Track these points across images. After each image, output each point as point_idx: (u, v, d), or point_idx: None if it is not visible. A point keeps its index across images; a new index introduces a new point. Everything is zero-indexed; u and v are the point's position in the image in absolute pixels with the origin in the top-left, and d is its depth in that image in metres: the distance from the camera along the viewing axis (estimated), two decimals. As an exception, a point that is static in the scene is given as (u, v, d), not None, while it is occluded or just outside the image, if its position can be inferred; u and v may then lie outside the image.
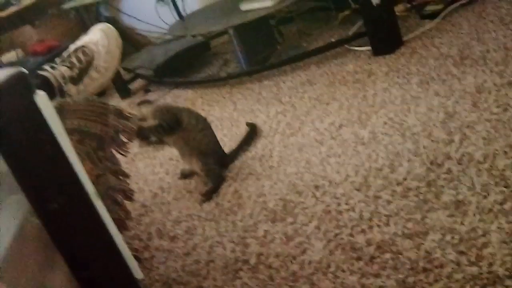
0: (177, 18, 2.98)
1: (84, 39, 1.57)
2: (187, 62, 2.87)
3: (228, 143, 1.91)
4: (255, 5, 2.36)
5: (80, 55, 1.52)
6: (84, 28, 2.98)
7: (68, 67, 1.49)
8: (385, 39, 2.09)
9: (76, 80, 1.49)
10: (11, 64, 3.30)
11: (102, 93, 2.09)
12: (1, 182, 0.68)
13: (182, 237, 1.51)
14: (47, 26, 3.45)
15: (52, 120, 0.63)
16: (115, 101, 2.88)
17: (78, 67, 1.50)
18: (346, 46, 2.27)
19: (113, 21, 3.42)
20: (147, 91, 2.85)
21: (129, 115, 1.44)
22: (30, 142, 0.62)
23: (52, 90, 1.44)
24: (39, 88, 0.66)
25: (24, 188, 0.63)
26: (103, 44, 1.55)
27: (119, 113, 1.40)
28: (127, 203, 1.25)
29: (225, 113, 2.17)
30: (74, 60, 1.52)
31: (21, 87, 0.61)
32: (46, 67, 1.49)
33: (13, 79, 0.59)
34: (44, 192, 0.63)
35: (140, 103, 2.66)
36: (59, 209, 0.63)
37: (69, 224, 0.66)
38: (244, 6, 2.39)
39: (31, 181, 0.62)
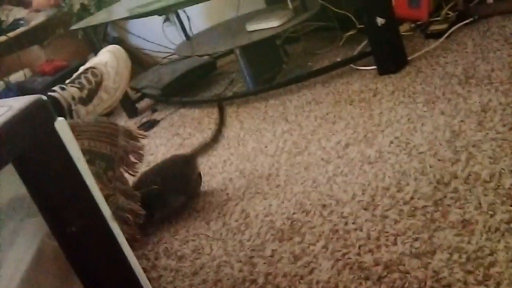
0: (184, 38, 3.01)
1: (94, 61, 1.60)
2: (193, 82, 2.90)
3: (235, 162, 1.92)
4: (261, 26, 2.39)
5: (90, 76, 1.55)
6: (91, 48, 3.03)
7: (77, 88, 1.52)
8: (390, 58, 2.11)
9: (85, 101, 1.51)
10: (19, 83, 3.34)
11: (109, 112, 2.11)
12: (21, 206, 0.70)
13: (190, 257, 1.51)
14: (55, 46, 3.50)
15: (71, 145, 0.65)
16: (123, 120, 2.91)
17: (88, 88, 1.53)
18: (351, 65, 2.29)
19: (121, 42, 3.46)
20: (154, 110, 2.87)
21: (138, 135, 1.46)
22: (50, 168, 0.63)
23: (62, 111, 1.46)
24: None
25: (43, 212, 0.64)
26: (112, 65, 1.58)
27: (129, 134, 1.42)
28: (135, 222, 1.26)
29: (232, 132, 2.19)
30: (83, 81, 1.54)
31: (42, 113, 0.62)
32: (56, 88, 1.51)
33: (34, 106, 0.61)
34: (62, 215, 0.64)
35: (145, 123, 2.70)
36: (77, 232, 0.64)
37: (86, 246, 0.67)
38: (250, 27, 2.42)
39: (50, 205, 0.64)
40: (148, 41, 3.53)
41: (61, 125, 0.64)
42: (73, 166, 0.65)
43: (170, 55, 3.37)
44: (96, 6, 3.39)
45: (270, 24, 2.34)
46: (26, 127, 0.60)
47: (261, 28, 2.38)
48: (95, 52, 2.81)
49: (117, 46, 1.62)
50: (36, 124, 0.61)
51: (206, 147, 1.86)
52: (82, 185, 0.66)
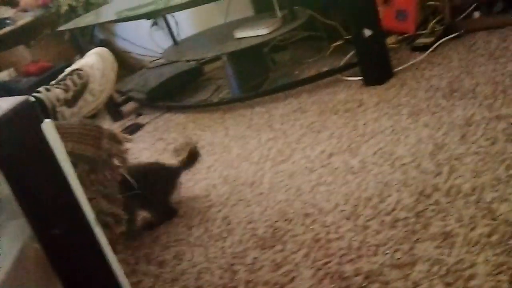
0: (172, 42, 3.00)
1: (80, 62, 1.59)
2: (180, 87, 2.89)
3: (219, 169, 1.92)
4: (249, 33, 2.39)
5: (75, 78, 1.54)
6: (78, 50, 3.01)
7: (63, 89, 1.50)
8: (376, 70, 2.13)
9: (70, 102, 1.50)
10: (3, 83, 3.30)
11: (94, 115, 2.10)
12: (3, 207, 0.69)
13: (170, 263, 1.51)
14: (41, 47, 3.47)
15: (57, 147, 0.64)
16: (107, 123, 2.89)
17: (73, 90, 1.51)
18: (338, 75, 2.31)
19: (108, 44, 3.45)
20: (139, 114, 2.86)
21: (122, 139, 1.45)
22: (35, 169, 0.63)
23: (46, 112, 1.45)
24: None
25: (27, 214, 0.64)
26: (98, 68, 1.57)
27: (113, 137, 1.41)
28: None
29: (217, 139, 2.18)
30: (69, 82, 1.53)
31: (29, 115, 0.62)
32: (41, 89, 1.49)
33: (21, 107, 0.60)
34: (47, 218, 0.64)
35: (129, 127, 2.69)
36: (60, 234, 0.64)
37: (69, 249, 0.66)
38: (238, 34, 2.43)
39: (34, 207, 0.63)
40: (135, 45, 3.52)
41: (47, 126, 0.64)
42: (58, 168, 0.65)
43: (157, 59, 3.36)
44: (84, 7, 3.38)
45: (258, 32, 2.35)
46: (13, 127, 0.59)
47: (249, 35, 2.39)
48: (81, 53, 2.79)
49: (104, 48, 1.61)
50: (23, 125, 0.60)
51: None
52: (66, 187, 0.66)
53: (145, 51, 3.46)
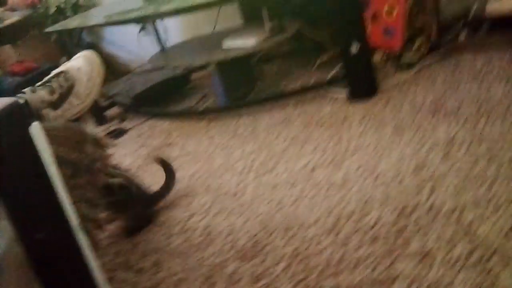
0: (159, 49, 3.00)
1: (67, 65, 1.58)
2: (166, 93, 2.88)
3: (201, 177, 1.91)
4: (237, 43, 2.39)
5: (62, 81, 1.52)
6: (64, 52, 2.99)
7: (48, 91, 1.49)
8: (361, 85, 2.14)
9: (55, 105, 1.49)
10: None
11: (77, 118, 2.08)
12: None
13: (149, 271, 1.49)
14: (27, 47, 3.45)
15: (44, 150, 0.64)
16: (90, 127, 2.87)
17: (59, 92, 1.50)
18: (323, 89, 2.32)
19: (95, 47, 3.43)
20: (123, 119, 2.84)
21: (106, 144, 1.44)
22: (22, 172, 0.62)
23: (31, 114, 1.44)
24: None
25: (12, 217, 0.63)
26: (85, 71, 1.56)
27: (97, 142, 1.40)
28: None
29: (201, 147, 2.18)
30: (55, 85, 1.52)
31: (18, 116, 0.61)
32: (26, 90, 1.48)
33: (10, 108, 0.60)
34: (31, 221, 0.63)
35: (113, 132, 2.67)
36: (44, 239, 0.63)
37: (51, 253, 0.66)
38: (226, 43, 2.43)
39: (20, 210, 0.62)
40: (123, 49, 3.51)
41: (36, 129, 0.63)
42: (44, 172, 0.64)
43: (144, 65, 3.35)
44: (73, 10, 3.36)
45: (247, 42, 2.35)
46: (1, 129, 0.58)
47: (237, 45, 2.39)
48: (68, 55, 2.78)
49: (91, 52, 1.60)
50: (11, 127, 0.60)
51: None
52: (52, 192, 0.65)
53: (132, 56, 3.45)
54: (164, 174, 1.81)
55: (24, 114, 0.63)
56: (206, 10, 2.73)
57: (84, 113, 1.76)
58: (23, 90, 1.49)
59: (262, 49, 2.46)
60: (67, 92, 1.54)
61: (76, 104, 1.57)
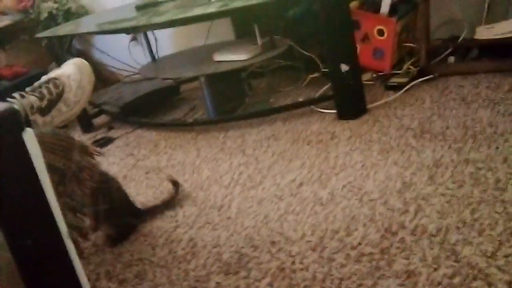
0: (150, 59, 3.00)
1: (57, 72, 1.58)
2: (154, 104, 2.88)
3: (188, 189, 1.91)
4: (228, 57, 2.41)
5: (51, 87, 1.52)
6: (54, 58, 2.98)
7: (37, 97, 1.49)
8: (350, 104, 2.16)
9: (44, 111, 1.49)
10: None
11: (65, 125, 2.08)
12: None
13: (131, 282, 1.48)
14: (17, 51, 3.43)
15: (36, 157, 0.64)
16: (77, 134, 2.85)
17: (48, 98, 1.50)
18: (312, 106, 2.33)
19: (85, 55, 3.43)
20: (110, 128, 2.83)
21: (93, 152, 1.44)
22: (13, 178, 0.62)
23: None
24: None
25: (1, 222, 0.62)
26: (75, 79, 1.56)
27: (84, 150, 1.40)
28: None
29: (188, 159, 2.18)
30: (44, 91, 1.51)
31: (11, 122, 0.61)
32: (16, 95, 1.48)
33: (4, 115, 0.59)
34: (20, 227, 0.63)
35: (100, 140, 2.66)
36: (32, 245, 0.63)
37: (40, 260, 0.65)
38: (217, 57, 2.44)
39: (8, 215, 0.62)
40: (113, 58, 3.51)
41: (29, 136, 0.63)
42: (36, 179, 0.64)
43: (134, 75, 3.35)
44: (64, 16, 3.36)
45: (238, 56, 2.37)
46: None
47: (228, 59, 2.41)
48: (58, 62, 2.77)
49: (82, 59, 1.61)
50: (4, 132, 0.59)
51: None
52: (42, 198, 0.65)
53: (122, 65, 3.45)
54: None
55: (17, 120, 0.62)
56: (198, 23, 2.74)
57: (72, 120, 1.75)
58: (12, 95, 1.49)
59: (253, 64, 2.47)
60: (57, 98, 1.53)
61: (64, 111, 1.57)
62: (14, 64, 3.34)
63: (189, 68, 2.54)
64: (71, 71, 1.57)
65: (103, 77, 3.43)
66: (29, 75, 3.08)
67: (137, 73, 3.12)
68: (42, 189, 0.65)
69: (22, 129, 0.63)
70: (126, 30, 2.52)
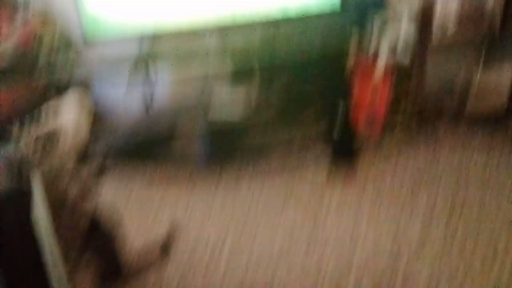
0: (147, 103, 3.02)
1: (56, 108, 1.60)
2: (149, 146, 2.88)
3: (178, 235, 1.90)
4: (223, 117, 2.46)
5: (50, 123, 1.55)
6: (53, 92, 2.97)
7: (35, 135, 1.51)
8: (343, 163, 2.21)
9: (42, 148, 1.50)
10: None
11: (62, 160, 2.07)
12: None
13: None
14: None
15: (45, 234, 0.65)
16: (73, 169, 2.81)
17: (46, 136, 1.52)
18: (306, 164, 2.37)
19: (84, 92, 3.43)
20: (104, 166, 2.81)
21: (89, 187, 1.44)
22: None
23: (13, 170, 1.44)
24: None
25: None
26: (74, 118, 1.59)
27: (80, 184, 1.40)
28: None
29: (179, 206, 2.16)
30: (43, 127, 1.54)
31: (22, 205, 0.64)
32: (10, 145, 1.48)
33: (15, 196, 0.63)
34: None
35: (94, 175, 2.62)
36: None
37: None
38: (213, 116, 2.49)
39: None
40: (111, 99, 3.51)
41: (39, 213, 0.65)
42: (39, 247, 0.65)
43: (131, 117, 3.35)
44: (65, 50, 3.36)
45: (233, 115, 2.43)
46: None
47: (223, 117, 2.46)
48: (57, 96, 2.78)
49: (82, 96, 1.64)
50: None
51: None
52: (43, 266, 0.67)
53: (120, 106, 3.45)
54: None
55: (27, 202, 0.64)
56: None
57: (69, 157, 1.76)
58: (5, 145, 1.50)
59: (247, 126, 2.52)
60: (54, 136, 1.55)
61: (62, 149, 1.58)
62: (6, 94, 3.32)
63: (185, 122, 2.58)
64: (70, 108, 1.60)
65: (100, 116, 3.44)
66: (26, 109, 3.05)
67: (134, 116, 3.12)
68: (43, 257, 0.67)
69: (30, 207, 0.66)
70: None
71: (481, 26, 2.36)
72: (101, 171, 2.58)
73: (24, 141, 1.53)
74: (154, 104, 2.97)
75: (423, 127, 2.46)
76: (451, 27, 2.34)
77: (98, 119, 3.02)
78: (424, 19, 2.33)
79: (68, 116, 1.63)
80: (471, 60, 2.41)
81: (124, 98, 3.16)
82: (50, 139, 1.56)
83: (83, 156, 2.82)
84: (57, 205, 1.34)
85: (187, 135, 2.91)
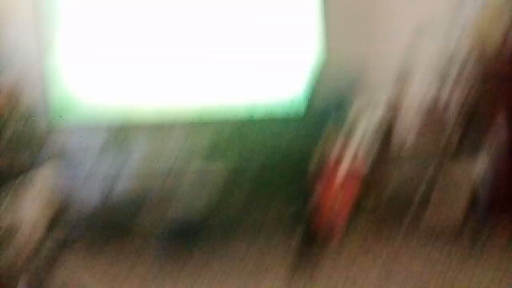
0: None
1: (15, 215, 1.60)
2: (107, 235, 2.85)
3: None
4: (185, 212, 2.47)
5: (4, 234, 1.55)
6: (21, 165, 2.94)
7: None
8: (305, 264, 2.24)
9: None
10: None
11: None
12: None
13: None
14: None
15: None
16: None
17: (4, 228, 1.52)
18: (267, 264, 2.37)
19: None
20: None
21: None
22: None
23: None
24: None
25: None
26: (31, 220, 1.59)
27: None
28: None
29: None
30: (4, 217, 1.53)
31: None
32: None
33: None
34: None
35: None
36: None
37: None
38: (174, 211, 2.50)
39: None
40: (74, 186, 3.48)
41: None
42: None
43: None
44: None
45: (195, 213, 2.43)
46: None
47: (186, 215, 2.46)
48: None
49: (47, 179, 1.65)
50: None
51: None
52: None
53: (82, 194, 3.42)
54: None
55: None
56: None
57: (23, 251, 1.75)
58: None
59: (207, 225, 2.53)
60: (11, 231, 1.55)
61: (17, 244, 1.58)
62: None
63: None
64: (31, 213, 1.60)
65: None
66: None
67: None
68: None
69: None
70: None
71: (441, 139, 2.44)
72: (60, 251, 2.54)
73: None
74: (115, 194, 2.96)
75: (381, 234, 2.49)
76: (411, 139, 2.41)
77: (58, 206, 3.01)
78: (385, 129, 2.41)
79: (27, 211, 1.62)
80: (430, 171, 2.48)
81: (86, 185, 3.16)
82: (7, 233, 1.55)
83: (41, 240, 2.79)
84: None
85: (147, 229, 2.89)
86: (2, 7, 2.55)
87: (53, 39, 2.62)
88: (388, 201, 2.53)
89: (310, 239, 2.27)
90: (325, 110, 2.41)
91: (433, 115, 2.47)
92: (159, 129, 2.59)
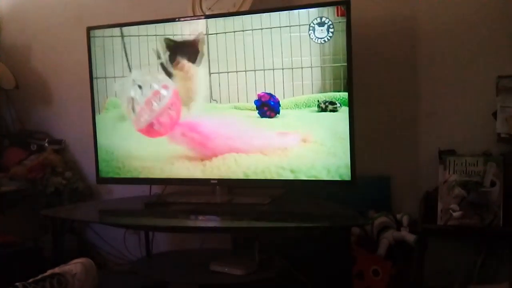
0: (144, 253, 3.01)
1: (64, 268, 1.60)
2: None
3: None
4: (225, 269, 2.42)
5: (55, 283, 1.53)
6: (52, 233, 2.99)
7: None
8: None
9: None
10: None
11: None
12: None
13: None
14: (15, 219, 3.43)
15: None
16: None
17: None
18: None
19: (79, 234, 3.45)
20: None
21: None
22: None
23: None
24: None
25: None
26: (80, 279, 1.57)
27: None
28: None
29: None
30: (47, 285, 1.52)
31: None
32: (19, 285, 1.48)
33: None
34: None
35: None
36: None
37: None
38: (215, 267, 2.46)
39: None
40: (106, 242, 3.50)
41: None
42: None
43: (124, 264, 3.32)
44: (69, 194, 3.41)
45: (234, 271, 2.39)
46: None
47: (225, 271, 2.42)
48: (54, 237, 2.81)
49: (91, 261, 1.64)
50: None
51: None
52: None
53: (114, 251, 3.43)
54: None
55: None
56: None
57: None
58: (16, 284, 1.49)
59: (248, 282, 2.48)
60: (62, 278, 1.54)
61: None
62: (7, 231, 3.32)
63: (183, 273, 2.54)
64: (77, 270, 1.59)
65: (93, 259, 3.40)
66: (20, 248, 3.05)
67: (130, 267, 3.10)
68: None
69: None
70: (126, 226, 2.58)
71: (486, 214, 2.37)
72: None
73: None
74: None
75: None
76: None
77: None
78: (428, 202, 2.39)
79: (76, 271, 1.62)
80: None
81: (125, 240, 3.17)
82: (59, 281, 1.55)
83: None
84: None
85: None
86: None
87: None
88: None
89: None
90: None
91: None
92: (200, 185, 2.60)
